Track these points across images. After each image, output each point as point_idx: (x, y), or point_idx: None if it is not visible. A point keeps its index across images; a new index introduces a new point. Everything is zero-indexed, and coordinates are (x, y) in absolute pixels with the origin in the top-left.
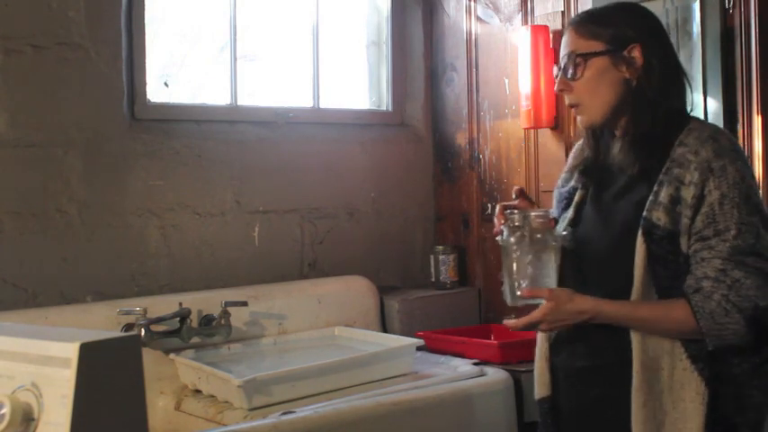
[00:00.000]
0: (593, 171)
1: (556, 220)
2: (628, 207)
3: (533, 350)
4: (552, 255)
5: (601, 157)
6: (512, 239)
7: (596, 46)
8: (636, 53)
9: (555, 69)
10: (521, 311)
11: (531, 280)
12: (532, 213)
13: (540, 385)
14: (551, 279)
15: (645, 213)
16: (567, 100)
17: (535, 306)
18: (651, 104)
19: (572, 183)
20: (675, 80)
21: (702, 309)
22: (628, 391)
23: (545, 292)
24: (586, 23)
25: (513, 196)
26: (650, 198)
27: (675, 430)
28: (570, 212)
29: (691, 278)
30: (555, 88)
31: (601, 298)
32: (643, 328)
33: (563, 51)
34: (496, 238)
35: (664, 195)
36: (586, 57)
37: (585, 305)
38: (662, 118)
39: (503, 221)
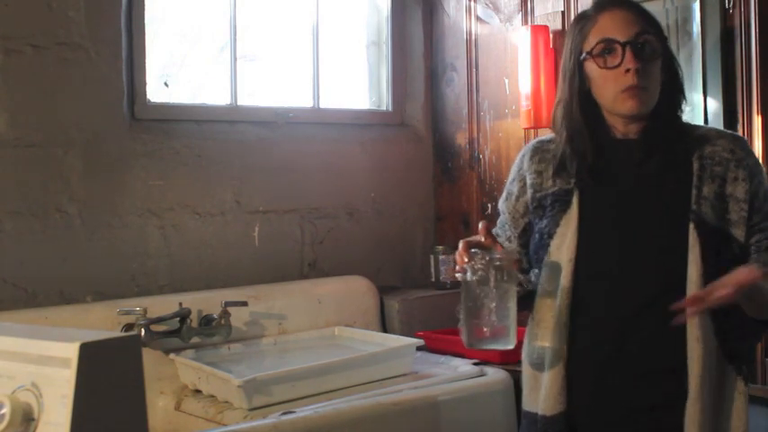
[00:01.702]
0: (590, 171)
1: (519, 261)
2: (664, 204)
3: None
4: (515, 298)
5: (600, 156)
6: (476, 280)
7: (657, 33)
8: (670, 57)
9: (604, 46)
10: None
11: (494, 322)
12: (497, 254)
13: (553, 400)
14: (512, 322)
15: (693, 207)
16: (633, 80)
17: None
18: (675, 111)
19: (555, 185)
20: (684, 97)
21: None
22: (677, 398)
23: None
24: (643, 10)
25: (479, 234)
26: (693, 192)
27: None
28: (574, 215)
29: (763, 263)
30: (628, 64)
31: (652, 294)
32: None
33: (627, 29)
34: (456, 275)
35: (707, 191)
36: (659, 41)
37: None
38: (678, 119)
39: (466, 260)
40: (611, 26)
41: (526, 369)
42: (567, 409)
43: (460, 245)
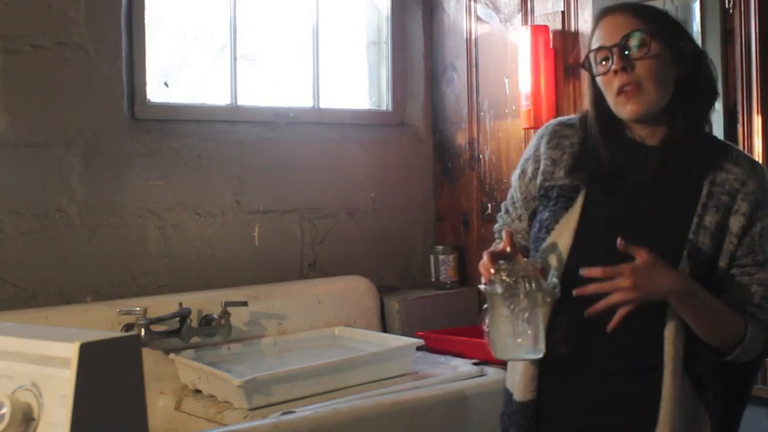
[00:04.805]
0: (601, 175)
1: (543, 269)
2: (664, 224)
3: None
4: (542, 305)
5: (614, 161)
6: (504, 292)
7: (658, 29)
8: (690, 51)
9: (596, 57)
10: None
11: (527, 332)
12: (525, 265)
13: (524, 387)
14: (542, 330)
15: (690, 236)
16: (621, 80)
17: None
18: (699, 111)
19: (564, 179)
20: (714, 93)
21: (751, 325)
22: (642, 396)
23: (641, 250)
24: (641, 10)
25: (504, 244)
26: (695, 221)
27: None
28: (575, 215)
29: (729, 299)
30: (614, 66)
31: (633, 310)
32: (710, 324)
33: (616, 33)
34: (480, 287)
35: (709, 221)
36: (652, 35)
37: (681, 275)
38: (703, 128)
39: (493, 272)
40: (605, 33)
41: None
42: (538, 397)
43: (485, 257)
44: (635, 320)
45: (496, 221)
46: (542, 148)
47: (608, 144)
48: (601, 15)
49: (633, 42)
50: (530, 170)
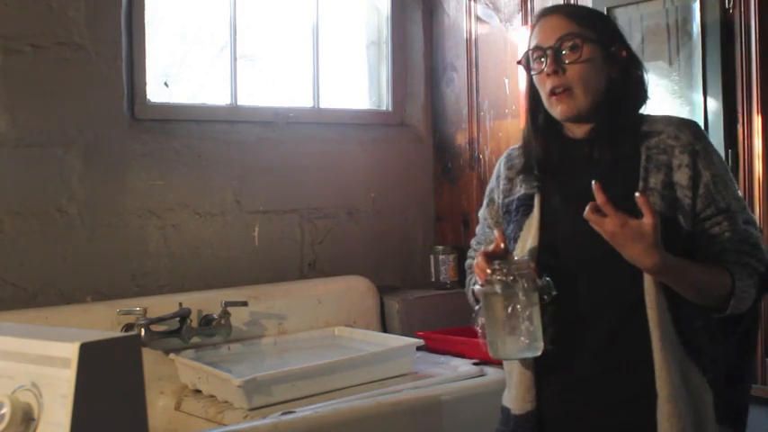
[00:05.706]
0: (549, 172)
1: (536, 268)
2: (613, 196)
3: None
4: (538, 303)
5: (553, 157)
6: (503, 291)
7: (591, 34)
8: (623, 54)
9: (530, 58)
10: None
11: (528, 330)
12: (520, 263)
13: (521, 399)
14: (539, 328)
15: None
16: (553, 83)
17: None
18: (629, 108)
19: (520, 190)
20: (644, 96)
21: (736, 271)
22: (641, 396)
23: (651, 216)
24: (578, 13)
25: (497, 243)
26: (640, 185)
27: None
28: (535, 218)
29: (708, 253)
30: (546, 69)
31: (606, 291)
32: (692, 288)
33: (552, 35)
34: (475, 288)
35: (654, 182)
36: (585, 40)
37: (655, 262)
38: (634, 117)
39: (490, 272)
40: (541, 33)
41: (504, 366)
42: (537, 407)
43: (479, 258)
44: (616, 318)
45: (467, 258)
46: (501, 172)
47: (542, 140)
48: (540, 15)
49: (566, 45)
50: (495, 196)
